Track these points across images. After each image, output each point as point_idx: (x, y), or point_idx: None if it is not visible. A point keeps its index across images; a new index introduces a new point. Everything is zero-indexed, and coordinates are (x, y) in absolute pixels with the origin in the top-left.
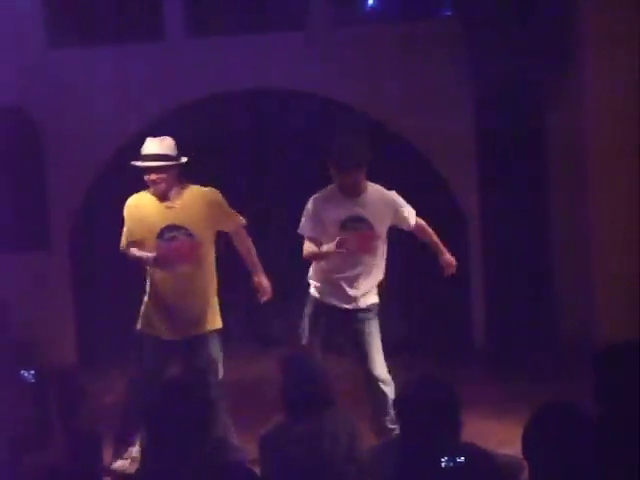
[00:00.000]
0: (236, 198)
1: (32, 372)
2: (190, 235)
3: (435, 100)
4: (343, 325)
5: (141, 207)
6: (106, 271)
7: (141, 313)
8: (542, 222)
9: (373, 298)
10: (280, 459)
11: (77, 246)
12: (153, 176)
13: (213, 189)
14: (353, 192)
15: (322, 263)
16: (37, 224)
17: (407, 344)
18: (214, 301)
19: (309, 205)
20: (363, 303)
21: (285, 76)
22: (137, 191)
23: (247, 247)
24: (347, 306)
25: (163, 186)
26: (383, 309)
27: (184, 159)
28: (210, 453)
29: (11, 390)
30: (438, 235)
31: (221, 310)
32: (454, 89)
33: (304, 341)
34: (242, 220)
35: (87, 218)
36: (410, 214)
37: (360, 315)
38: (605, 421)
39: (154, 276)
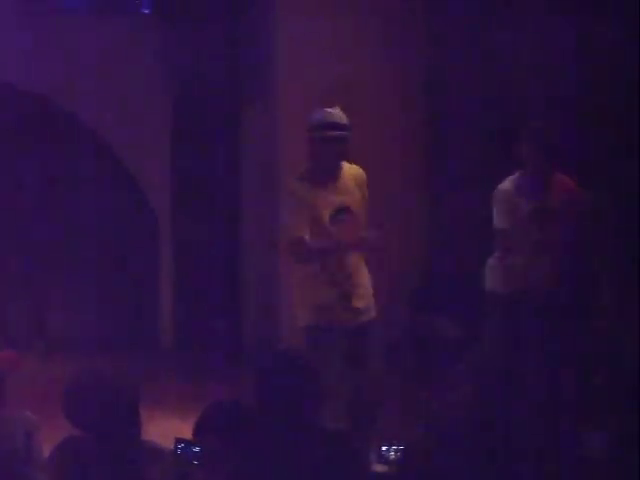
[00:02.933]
0: None
1: None
2: (354, 216)
3: (130, 96)
4: None
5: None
6: None
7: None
8: (234, 222)
9: None
10: None
11: None
12: (338, 148)
13: (358, 167)
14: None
15: None
16: None
17: (92, 339)
18: None
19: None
20: None
21: None
22: None
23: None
24: None
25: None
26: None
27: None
28: None
29: None
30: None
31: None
32: (150, 86)
33: None
34: None
35: None
36: None
37: None
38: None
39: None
